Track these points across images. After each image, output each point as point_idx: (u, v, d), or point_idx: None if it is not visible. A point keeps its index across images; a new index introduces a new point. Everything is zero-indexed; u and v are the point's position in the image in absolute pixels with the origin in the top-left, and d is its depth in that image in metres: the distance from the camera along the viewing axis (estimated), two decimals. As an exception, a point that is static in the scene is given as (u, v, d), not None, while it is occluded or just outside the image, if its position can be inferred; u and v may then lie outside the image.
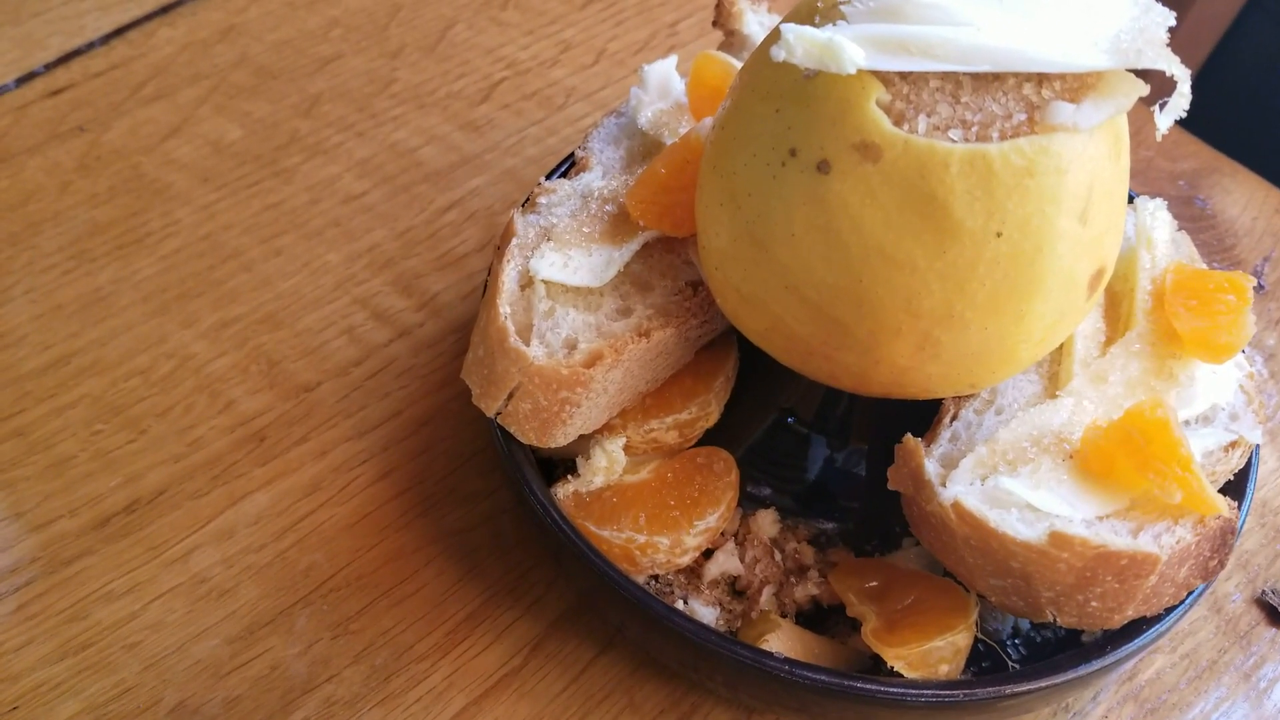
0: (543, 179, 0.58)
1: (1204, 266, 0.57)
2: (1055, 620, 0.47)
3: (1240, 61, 1.19)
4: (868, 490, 0.58)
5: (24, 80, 0.79)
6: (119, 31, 0.83)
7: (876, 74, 0.41)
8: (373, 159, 0.76)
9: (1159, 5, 0.43)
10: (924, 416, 0.51)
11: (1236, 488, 0.53)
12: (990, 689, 0.46)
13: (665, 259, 0.55)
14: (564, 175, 0.60)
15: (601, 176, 0.59)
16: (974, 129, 0.41)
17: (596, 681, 0.54)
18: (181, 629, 0.54)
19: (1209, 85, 1.20)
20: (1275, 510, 0.64)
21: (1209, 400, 0.53)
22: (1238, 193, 0.81)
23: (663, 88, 0.62)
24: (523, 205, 0.57)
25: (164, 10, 0.84)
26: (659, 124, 0.60)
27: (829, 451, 0.59)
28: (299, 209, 0.72)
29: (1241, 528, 0.52)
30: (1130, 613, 0.47)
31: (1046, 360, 0.53)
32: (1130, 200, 0.59)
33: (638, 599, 0.48)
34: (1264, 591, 0.60)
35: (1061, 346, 0.53)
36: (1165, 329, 0.53)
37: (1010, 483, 0.46)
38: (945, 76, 0.42)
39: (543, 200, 0.57)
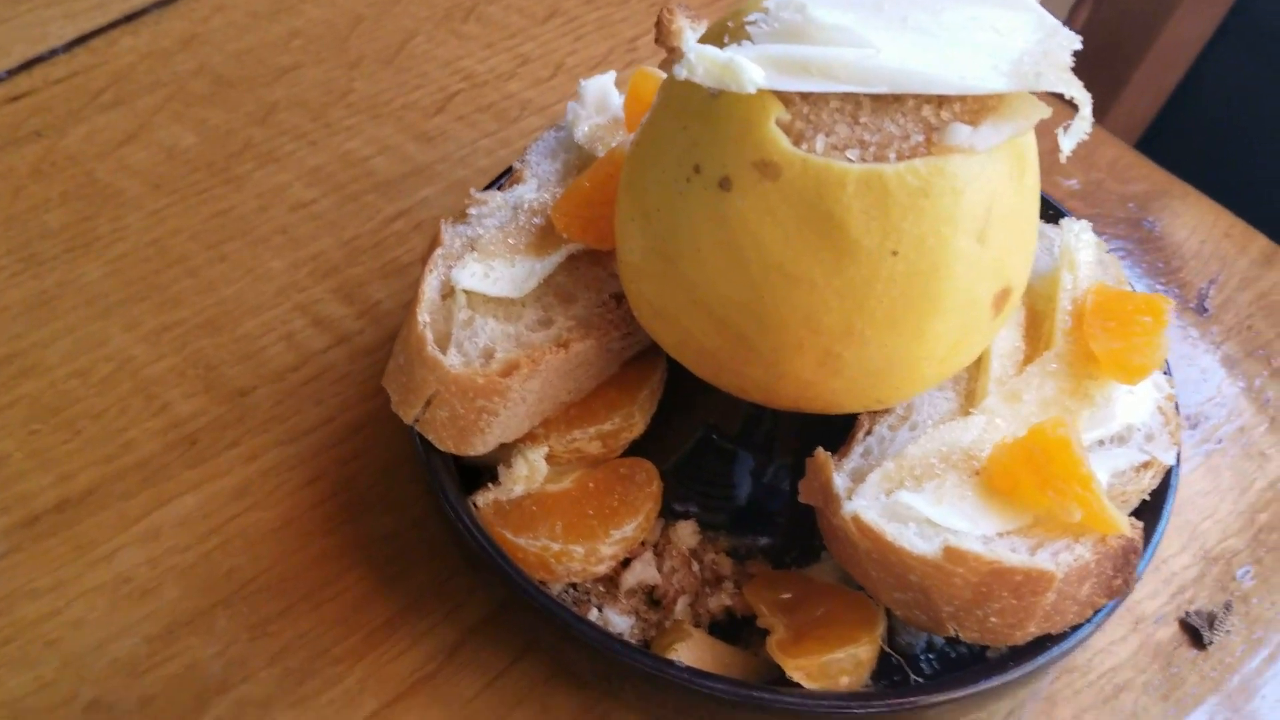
0: (474, 190, 0.59)
1: (1130, 288, 0.58)
2: (957, 635, 0.48)
3: (1210, 88, 1.20)
4: (791, 505, 0.59)
5: (-16, 85, 0.80)
6: (82, 39, 0.84)
7: (778, 94, 0.42)
8: (324, 168, 0.77)
9: (1065, 29, 0.44)
10: (846, 432, 0.52)
11: (1155, 508, 0.54)
12: (887, 701, 0.47)
13: (590, 271, 0.56)
14: (500, 187, 0.61)
15: (535, 189, 0.59)
16: (871, 149, 0.42)
17: (510, 688, 0.54)
18: (102, 627, 0.55)
19: (1179, 111, 1.21)
20: (1202, 532, 0.64)
21: (1125, 421, 0.53)
22: (1187, 215, 0.81)
23: (600, 103, 0.63)
24: (454, 216, 0.58)
25: (128, 19, 0.85)
26: (595, 138, 0.61)
27: (755, 466, 0.60)
28: (247, 216, 0.73)
29: (1154, 547, 0.53)
30: (1033, 629, 0.48)
31: (964, 377, 0.54)
32: (1057, 220, 0.59)
33: (546, 608, 0.49)
34: (1187, 613, 0.61)
35: (979, 364, 0.54)
36: (1084, 349, 0.54)
37: (911, 497, 0.47)
38: (845, 97, 0.42)
39: (473, 211, 0.58)
